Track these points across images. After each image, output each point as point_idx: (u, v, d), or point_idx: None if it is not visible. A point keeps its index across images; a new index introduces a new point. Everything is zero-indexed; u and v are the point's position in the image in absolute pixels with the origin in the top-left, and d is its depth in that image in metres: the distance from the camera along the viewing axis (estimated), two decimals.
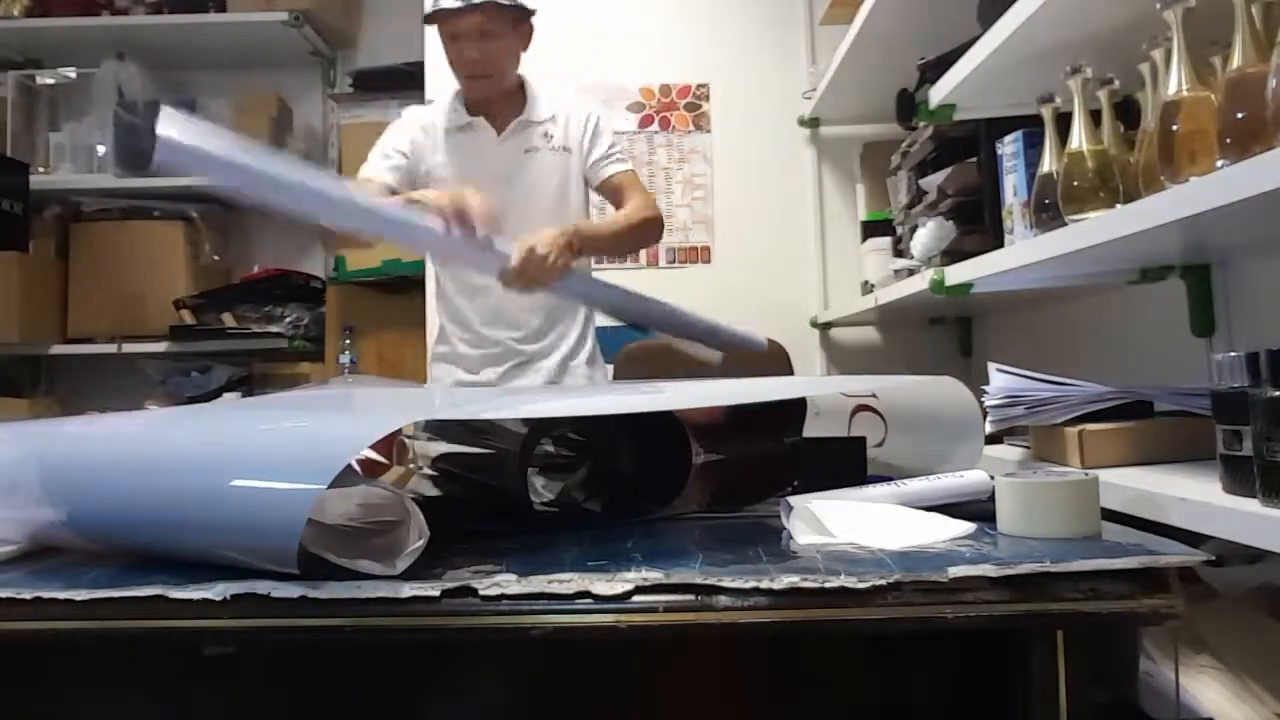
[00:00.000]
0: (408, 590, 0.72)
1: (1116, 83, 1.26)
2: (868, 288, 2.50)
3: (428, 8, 2.04)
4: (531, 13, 2.05)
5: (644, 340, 2.56)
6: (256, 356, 3.03)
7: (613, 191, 2.13)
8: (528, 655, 0.90)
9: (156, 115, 1.15)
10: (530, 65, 2.14)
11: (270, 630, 0.74)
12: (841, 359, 2.96)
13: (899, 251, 2.28)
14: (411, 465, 1.27)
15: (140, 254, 2.97)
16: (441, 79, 2.83)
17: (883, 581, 0.72)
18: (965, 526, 0.86)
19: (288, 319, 2.98)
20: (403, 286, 2.87)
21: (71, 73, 3.04)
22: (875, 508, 0.90)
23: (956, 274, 1.67)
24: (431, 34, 2.83)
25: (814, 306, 2.92)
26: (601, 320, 2.18)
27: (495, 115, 2.11)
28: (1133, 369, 1.78)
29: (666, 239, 2.98)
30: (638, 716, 0.93)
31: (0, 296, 2.75)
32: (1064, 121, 1.30)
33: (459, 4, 1.97)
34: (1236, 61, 0.91)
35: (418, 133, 2.11)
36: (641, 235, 2.11)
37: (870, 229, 2.54)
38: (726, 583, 0.73)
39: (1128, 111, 1.28)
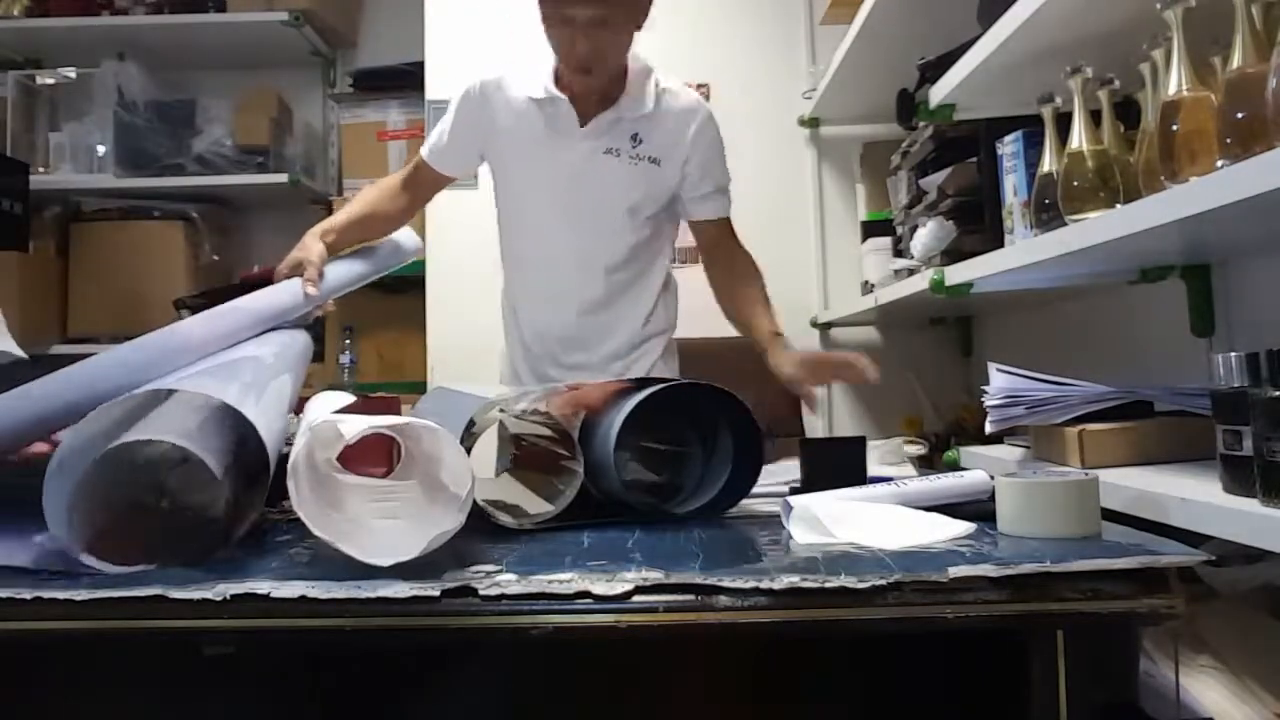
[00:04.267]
0: (408, 590, 0.72)
1: (1116, 83, 1.26)
2: (868, 288, 2.49)
3: None
4: None
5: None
6: None
7: (703, 238, 1.84)
8: (528, 655, 0.90)
9: None
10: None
11: (270, 630, 0.74)
12: None
13: (899, 251, 2.28)
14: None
15: (140, 254, 2.96)
16: (442, 80, 2.84)
17: (883, 581, 0.72)
18: (965, 526, 0.86)
19: None
20: (402, 287, 2.86)
21: (71, 73, 3.04)
22: (875, 508, 0.90)
23: (956, 274, 1.67)
24: (432, 33, 2.86)
25: (814, 306, 2.91)
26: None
27: (584, 97, 1.72)
28: (1133, 369, 1.78)
29: None
30: (638, 716, 0.93)
31: (0, 296, 2.74)
32: (1064, 121, 1.30)
33: None
34: (1236, 61, 0.91)
35: (481, 104, 1.77)
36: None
37: (870, 229, 2.54)
38: (726, 583, 0.73)
39: (1128, 111, 1.28)
